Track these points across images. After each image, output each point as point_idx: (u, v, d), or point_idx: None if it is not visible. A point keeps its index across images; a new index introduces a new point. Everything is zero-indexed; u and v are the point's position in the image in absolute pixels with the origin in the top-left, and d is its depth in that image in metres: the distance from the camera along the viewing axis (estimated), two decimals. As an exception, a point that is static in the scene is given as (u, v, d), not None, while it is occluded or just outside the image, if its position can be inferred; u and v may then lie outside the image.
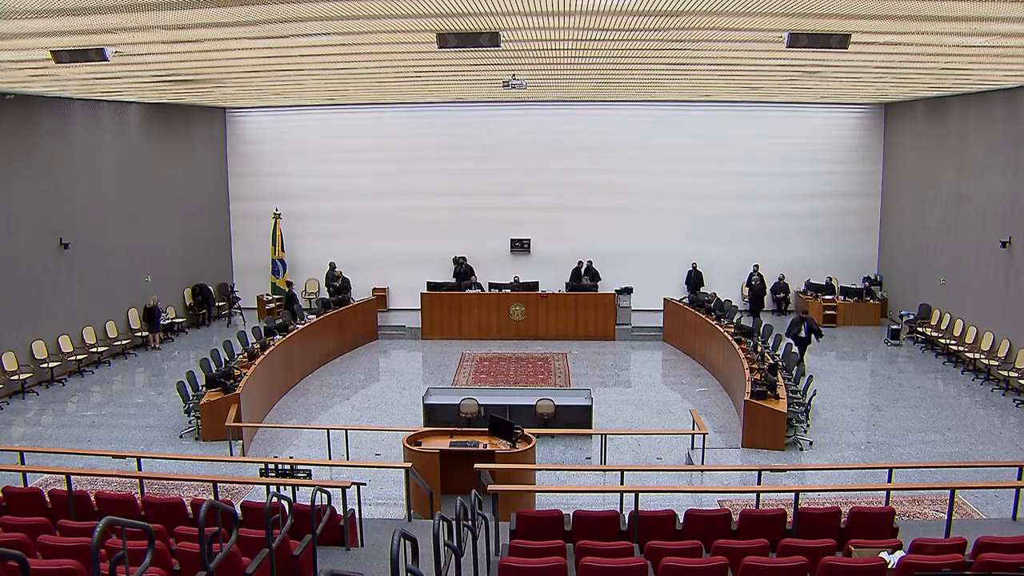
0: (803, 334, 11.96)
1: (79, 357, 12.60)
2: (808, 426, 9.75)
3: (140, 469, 7.17)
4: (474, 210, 16.78)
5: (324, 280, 16.32)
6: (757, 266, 16.10)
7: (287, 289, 16.07)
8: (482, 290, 15.53)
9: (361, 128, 16.71)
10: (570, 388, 11.56)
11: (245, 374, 10.25)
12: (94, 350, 12.98)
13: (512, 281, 15.58)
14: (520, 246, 16.90)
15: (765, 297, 15.92)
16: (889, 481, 6.83)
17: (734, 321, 13.03)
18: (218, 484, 6.68)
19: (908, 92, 13.46)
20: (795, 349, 11.98)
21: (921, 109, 14.87)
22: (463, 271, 16.12)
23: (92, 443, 9.50)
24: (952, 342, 12.91)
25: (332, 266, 16.21)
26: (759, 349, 11.26)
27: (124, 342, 13.74)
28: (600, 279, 16.22)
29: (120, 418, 10.58)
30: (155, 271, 14.83)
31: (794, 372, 10.93)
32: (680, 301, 14.98)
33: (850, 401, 10.80)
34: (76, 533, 4.63)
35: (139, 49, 7.49)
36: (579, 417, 9.63)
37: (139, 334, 14.18)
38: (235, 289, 16.79)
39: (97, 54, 6.96)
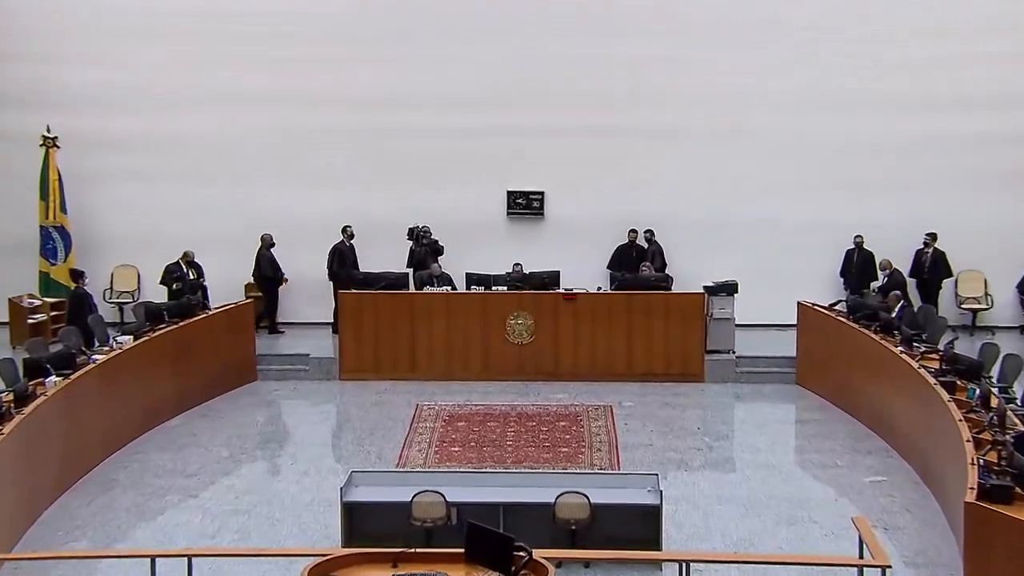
0: None
1: None
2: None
3: None
4: (441, 137, 16.79)
5: (162, 275, 16.26)
6: (932, 236, 16.29)
7: (75, 286, 15.83)
8: (453, 287, 15.60)
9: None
10: (619, 472, 11.48)
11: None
12: None
13: (512, 271, 15.62)
14: (524, 205, 17.07)
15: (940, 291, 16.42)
16: None
17: (942, 348, 12.50)
18: None
19: None
20: None
21: None
22: (423, 252, 16.22)
23: None
24: None
25: (188, 256, 16.32)
26: (995, 403, 10.76)
27: None
28: (667, 265, 16.36)
29: None
30: None
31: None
32: (831, 308, 14.72)
33: None
34: None
35: None
36: (637, 527, 9.43)
37: None
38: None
39: None
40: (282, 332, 16.64)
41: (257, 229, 16.81)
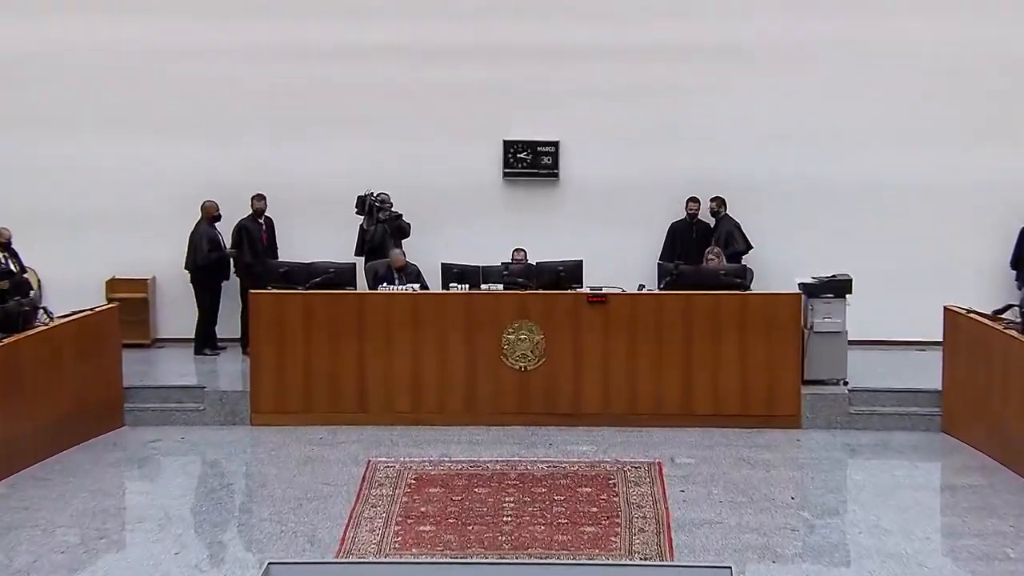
0: None
1: None
2: None
3: None
4: (405, 65, 17.28)
5: None
6: None
7: None
8: (424, 285, 15.88)
9: None
10: (673, 564, 11.15)
11: None
12: None
13: (511, 261, 16.05)
14: (530, 162, 17.51)
15: None
16: None
17: None
18: None
19: None
20: None
21: None
22: (379, 233, 16.72)
23: None
24: None
25: (3, 236, 16.39)
26: None
27: None
28: (751, 248, 16.82)
29: None
30: None
31: None
32: (996, 316, 14.61)
33: None
34: None
35: None
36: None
37: None
38: None
39: None
40: (223, 348, 16.95)
41: (130, 199, 17.15)
